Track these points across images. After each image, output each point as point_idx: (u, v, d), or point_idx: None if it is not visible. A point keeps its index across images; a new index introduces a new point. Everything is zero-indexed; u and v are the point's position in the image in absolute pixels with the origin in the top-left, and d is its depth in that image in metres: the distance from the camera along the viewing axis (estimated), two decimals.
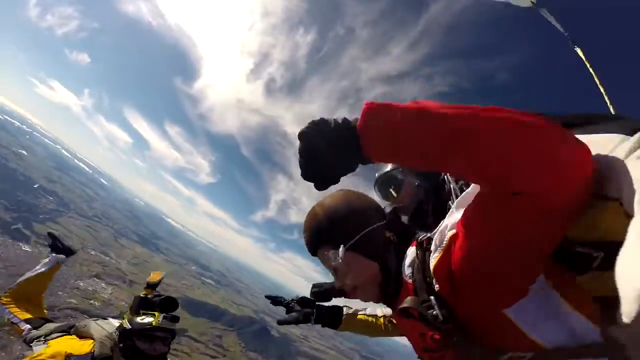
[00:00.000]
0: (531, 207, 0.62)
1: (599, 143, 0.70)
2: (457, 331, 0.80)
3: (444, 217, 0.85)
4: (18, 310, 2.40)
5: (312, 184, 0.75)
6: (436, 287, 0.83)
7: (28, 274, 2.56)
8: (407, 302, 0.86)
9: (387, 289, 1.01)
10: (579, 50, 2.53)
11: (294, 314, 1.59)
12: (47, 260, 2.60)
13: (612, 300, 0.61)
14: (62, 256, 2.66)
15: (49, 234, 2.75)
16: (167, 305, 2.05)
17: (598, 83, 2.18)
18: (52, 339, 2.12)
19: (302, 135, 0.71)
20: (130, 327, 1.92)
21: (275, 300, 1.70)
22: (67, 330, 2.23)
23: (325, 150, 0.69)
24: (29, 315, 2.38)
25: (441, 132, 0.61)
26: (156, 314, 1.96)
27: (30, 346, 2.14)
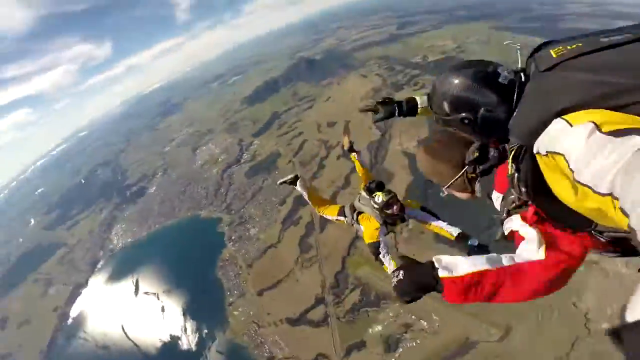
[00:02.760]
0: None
1: None
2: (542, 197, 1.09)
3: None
4: (326, 212, 3.84)
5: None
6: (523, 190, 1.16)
7: (305, 195, 4.00)
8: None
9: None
10: None
11: (380, 114, 2.09)
12: (299, 189, 4.03)
13: None
14: (299, 183, 4.04)
15: (283, 183, 4.12)
16: (381, 185, 3.42)
17: None
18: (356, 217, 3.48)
19: (396, 289, 1.21)
20: (377, 204, 3.19)
21: (365, 109, 2.22)
22: (351, 210, 3.56)
23: (415, 292, 1.19)
24: (335, 209, 3.77)
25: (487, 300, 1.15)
26: (378, 193, 3.22)
27: (353, 225, 3.53)
